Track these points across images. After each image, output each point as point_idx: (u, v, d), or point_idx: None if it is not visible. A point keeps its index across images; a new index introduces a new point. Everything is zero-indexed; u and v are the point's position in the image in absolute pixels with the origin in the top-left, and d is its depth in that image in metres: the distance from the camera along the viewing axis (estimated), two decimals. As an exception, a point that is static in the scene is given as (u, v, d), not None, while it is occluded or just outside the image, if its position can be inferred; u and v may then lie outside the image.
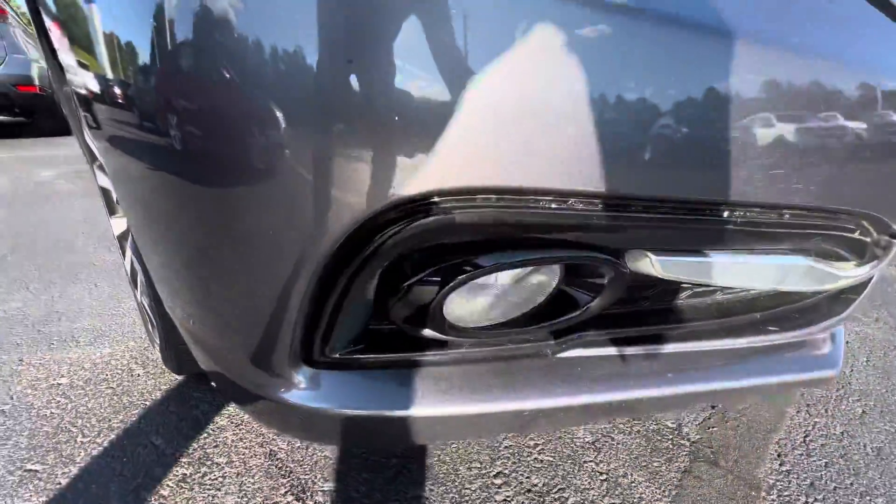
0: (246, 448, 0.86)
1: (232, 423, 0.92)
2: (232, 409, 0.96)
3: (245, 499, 0.76)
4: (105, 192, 1.19)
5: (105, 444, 0.87)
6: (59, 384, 1.04)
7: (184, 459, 0.83)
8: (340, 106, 0.31)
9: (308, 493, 0.77)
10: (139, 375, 1.06)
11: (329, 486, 0.78)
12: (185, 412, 0.94)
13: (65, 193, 2.88)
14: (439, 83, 0.31)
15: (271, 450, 0.86)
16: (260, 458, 0.84)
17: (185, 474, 0.80)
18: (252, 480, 0.79)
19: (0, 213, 2.46)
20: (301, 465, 0.82)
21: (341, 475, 0.80)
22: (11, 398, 0.99)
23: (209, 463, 0.83)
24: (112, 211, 1.20)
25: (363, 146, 0.33)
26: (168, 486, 0.78)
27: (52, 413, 0.95)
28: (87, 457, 0.83)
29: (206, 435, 0.90)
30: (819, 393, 1.03)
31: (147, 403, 0.97)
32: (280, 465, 0.82)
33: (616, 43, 0.35)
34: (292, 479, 0.79)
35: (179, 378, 1.04)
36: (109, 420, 0.92)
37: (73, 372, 1.08)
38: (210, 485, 0.78)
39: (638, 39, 0.35)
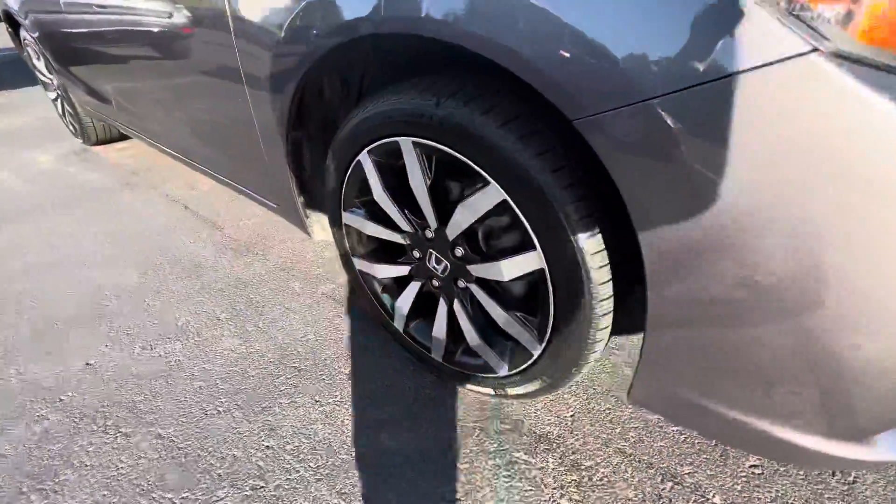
0: (599, 451, 1.07)
1: (570, 433, 1.12)
2: (567, 421, 1.15)
3: (632, 485, 0.99)
4: (383, 242, 1.19)
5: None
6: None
7: (562, 468, 1.04)
8: None
9: (678, 476, 1.01)
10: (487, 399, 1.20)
11: (688, 468, 1.03)
12: (515, 430, 1.12)
13: (99, 188, 2.59)
14: None
15: (618, 448, 1.08)
16: (617, 457, 1.06)
17: (575, 480, 1.01)
18: (627, 473, 1.02)
19: (63, 221, 2.22)
20: (654, 457, 1.05)
21: (688, 459, 1.05)
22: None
23: (586, 466, 1.03)
24: (391, 258, 1.22)
25: None
26: (584, 484, 0.99)
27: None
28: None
29: (557, 445, 1.09)
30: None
31: (496, 426, 1.13)
32: (637, 459, 1.05)
33: None
34: (656, 468, 1.03)
35: (493, 400, 1.20)
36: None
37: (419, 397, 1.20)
38: (600, 484, 1.00)
39: None
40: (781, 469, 1.04)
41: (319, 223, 1.43)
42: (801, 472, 1.03)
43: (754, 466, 1.05)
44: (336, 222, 1.25)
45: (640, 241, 0.64)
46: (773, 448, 0.74)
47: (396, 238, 1.11)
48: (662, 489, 1.00)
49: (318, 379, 1.29)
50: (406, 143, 0.90)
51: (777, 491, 0.99)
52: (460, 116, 0.79)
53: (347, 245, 1.26)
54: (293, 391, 1.26)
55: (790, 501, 0.98)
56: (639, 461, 1.06)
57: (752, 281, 0.59)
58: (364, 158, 1.02)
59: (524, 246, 0.84)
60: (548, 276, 0.82)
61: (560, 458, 1.07)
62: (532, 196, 0.76)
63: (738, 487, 1.00)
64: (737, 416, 0.73)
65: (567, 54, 0.58)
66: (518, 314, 0.94)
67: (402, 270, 1.16)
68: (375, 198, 1.05)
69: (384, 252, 1.28)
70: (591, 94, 0.58)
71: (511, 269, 0.88)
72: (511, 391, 1.08)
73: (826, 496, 0.98)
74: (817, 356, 0.61)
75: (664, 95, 0.54)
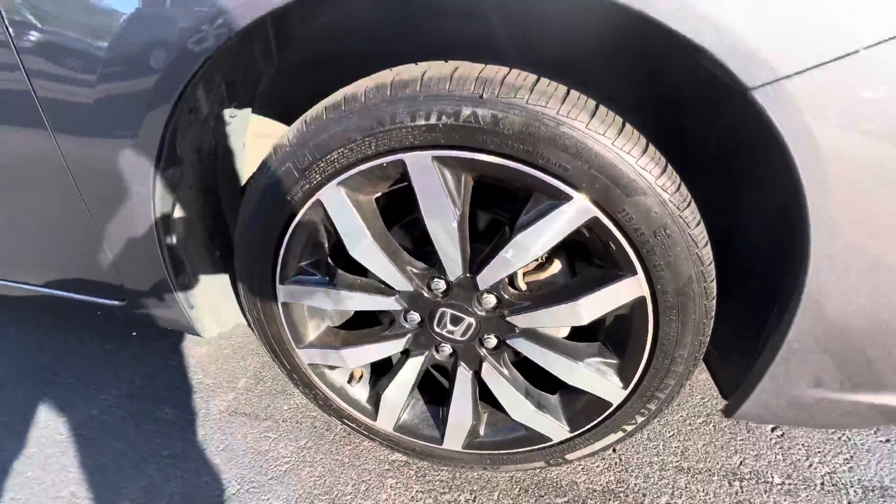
0: (664, 480, 0.93)
1: (627, 472, 0.94)
2: (615, 460, 0.96)
3: (712, 501, 0.89)
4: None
5: None
6: None
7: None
8: None
9: (737, 473, 0.95)
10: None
11: (737, 459, 0.98)
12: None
13: None
14: None
15: (676, 466, 0.96)
16: (681, 478, 0.93)
17: None
18: (700, 490, 0.91)
19: None
20: (708, 461, 0.96)
21: (731, 448, 1.00)
22: None
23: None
24: (369, 335, 0.80)
25: None
26: None
27: None
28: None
29: (625, 493, 0.91)
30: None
31: None
32: (696, 471, 0.95)
33: None
34: (716, 473, 0.94)
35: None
36: None
37: None
38: None
39: None
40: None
41: (213, 312, 0.92)
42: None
43: (775, 429, 1.09)
44: (261, 303, 0.80)
45: (811, 237, 0.53)
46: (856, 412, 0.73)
47: (385, 304, 0.76)
48: (735, 492, 0.93)
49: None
50: (420, 161, 0.59)
51: (804, 442, 1.05)
52: (529, 115, 0.54)
53: (286, 332, 0.83)
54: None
55: (816, 444, 1.04)
56: (700, 472, 0.97)
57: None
58: (332, 195, 0.64)
59: (612, 274, 0.65)
60: (649, 305, 0.65)
61: (638, 508, 0.90)
62: (637, 206, 0.57)
63: (780, 457, 1.02)
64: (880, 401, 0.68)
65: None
66: (595, 361, 0.73)
67: (395, 347, 0.81)
68: (355, 254, 0.69)
69: (354, 327, 0.89)
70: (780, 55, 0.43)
71: (596, 306, 0.66)
72: (573, 455, 0.86)
73: (833, 434, 1.08)
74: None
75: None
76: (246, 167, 0.93)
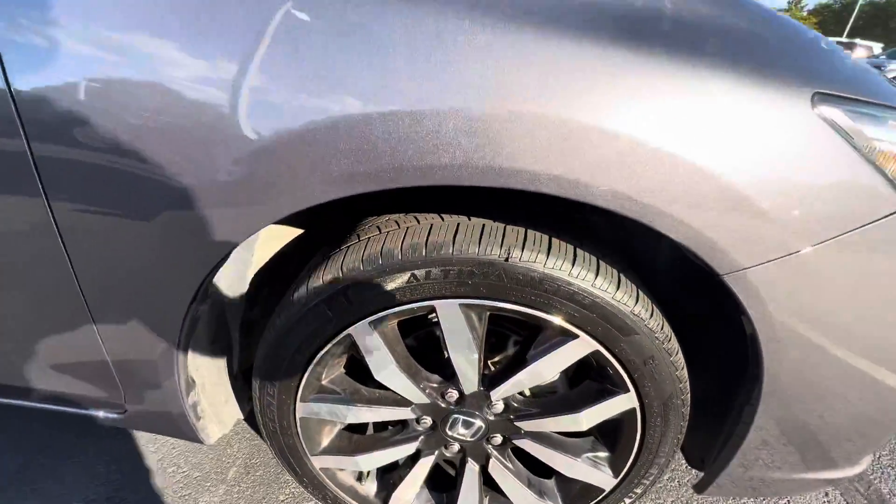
0: None
1: None
2: None
3: None
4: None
5: None
6: None
7: None
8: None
9: None
10: None
11: None
12: None
13: None
14: None
15: None
16: None
17: None
18: None
19: None
20: None
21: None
22: None
23: None
24: (379, 440, 0.82)
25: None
26: None
27: None
28: None
29: None
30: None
31: None
32: None
33: None
34: None
35: None
36: None
37: None
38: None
39: None
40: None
41: (216, 417, 0.92)
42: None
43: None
44: (279, 418, 0.82)
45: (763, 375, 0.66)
46: (809, 486, 0.88)
47: (402, 415, 0.81)
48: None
49: None
50: (448, 308, 0.66)
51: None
52: (545, 276, 0.63)
53: (301, 442, 0.85)
54: None
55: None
56: (670, 529, 1.10)
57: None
58: (362, 332, 0.70)
59: (608, 389, 0.75)
60: (638, 414, 0.75)
61: None
62: (632, 343, 0.68)
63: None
64: (802, 476, 0.83)
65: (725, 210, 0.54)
66: (590, 455, 0.83)
67: (407, 450, 0.85)
68: (379, 377, 0.74)
69: (363, 432, 0.93)
70: (746, 248, 0.56)
71: (594, 416, 0.76)
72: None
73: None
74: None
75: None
76: (251, 271, 0.95)
